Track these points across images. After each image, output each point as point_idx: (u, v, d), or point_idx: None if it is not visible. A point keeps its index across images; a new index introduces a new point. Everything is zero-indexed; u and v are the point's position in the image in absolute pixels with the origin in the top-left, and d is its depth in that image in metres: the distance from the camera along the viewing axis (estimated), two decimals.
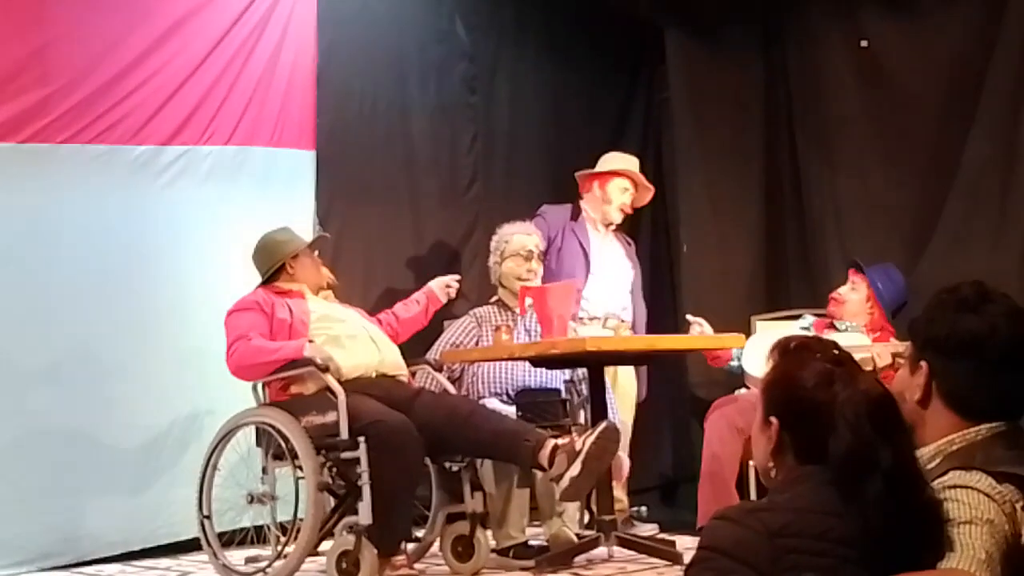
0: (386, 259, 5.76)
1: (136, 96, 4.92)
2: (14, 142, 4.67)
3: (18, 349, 4.67)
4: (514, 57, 6.32)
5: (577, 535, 4.43)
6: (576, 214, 5.42)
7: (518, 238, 5.07)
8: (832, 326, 4.92)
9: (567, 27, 6.37)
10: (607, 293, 5.29)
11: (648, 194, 5.48)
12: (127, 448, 4.84)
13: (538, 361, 4.48)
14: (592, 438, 3.84)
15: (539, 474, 4.21)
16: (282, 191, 5.29)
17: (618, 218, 5.40)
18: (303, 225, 5.16)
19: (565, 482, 3.83)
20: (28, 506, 4.59)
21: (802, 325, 5.01)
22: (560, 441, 3.91)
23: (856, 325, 4.88)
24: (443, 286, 4.93)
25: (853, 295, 4.95)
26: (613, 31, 6.42)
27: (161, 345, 4.92)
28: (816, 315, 5.07)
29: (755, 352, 4.79)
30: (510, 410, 4.57)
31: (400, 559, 3.88)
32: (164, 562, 4.75)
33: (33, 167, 4.70)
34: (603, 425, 3.93)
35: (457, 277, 5.01)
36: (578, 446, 3.84)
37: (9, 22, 4.68)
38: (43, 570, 4.57)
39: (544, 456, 3.89)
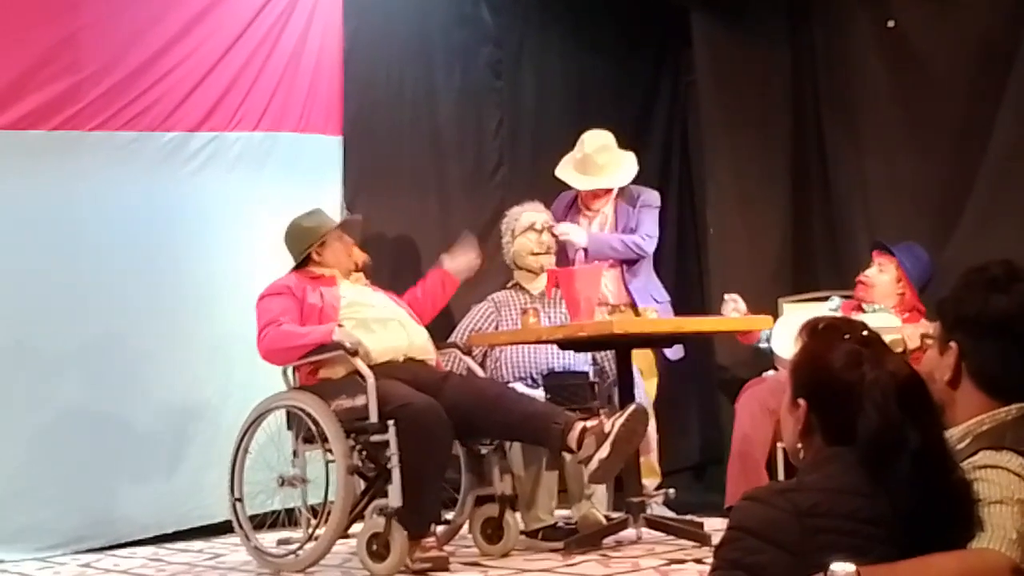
0: (412, 244, 5.78)
1: (165, 83, 4.96)
2: (44, 129, 4.72)
3: (50, 335, 4.72)
4: (539, 41, 6.31)
5: (606, 517, 4.44)
6: (575, 199, 5.35)
7: (527, 215, 5.08)
8: (860, 308, 4.90)
9: (592, 10, 6.35)
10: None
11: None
12: (159, 432, 4.90)
13: (566, 344, 4.49)
14: (621, 420, 3.84)
15: (568, 456, 4.22)
16: (309, 177, 5.32)
17: (595, 205, 5.28)
18: (330, 210, 5.17)
19: (594, 464, 3.84)
20: (61, 490, 4.65)
21: (830, 307, 4.99)
22: (589, 423, 3.91)
23: (885, 307, 4.86)
24: (459, 271, 4.83)
25: (882, 277, 4.90)
26: (638, 14, 6.40)
27: (191, 330, 4.97)
28: (844, 297, 5.05)
29: (783, 334, 4.78)
30: (535, 393, 4.58)
31: (430, 541, 3.90)
32: (197, 544, 4.80)
33: (63, 154, 4.75)
34: (632, 407, 3.93)
35: (470, 255, 4.90)
36: (607, 428, 3.84)
37: (39, 10, 4.72)
38: (77, 552, 4.62)
39: (573, 438, 3.89)
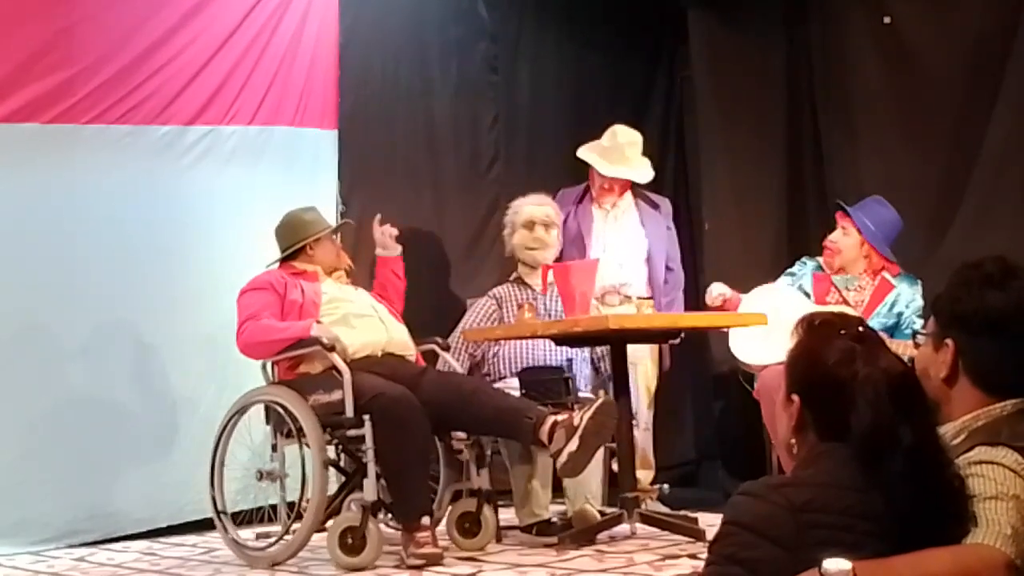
0: (407, 238, 5.76)
1: (160, 76, 4.95)
2: (39, 123, 4.70)
3: (41, 331, 4.72)
4: (535, 36, 6.30)
5: (600, 512, 4.45)
6: (584, 193, 5.37)
7: (527, 208, 5.05)
8: (831, 283, 4.86)
9: (588, 6, 6.34)
10: (608, 269, 5.09)
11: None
12: (152, 426, 4.90)
13: (561, 339, 4.49)
14: (589, 414, 3.90)
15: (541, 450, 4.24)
16: (305, 171, 5.32)
17: (606, 200, 5.30)
18: (326, 205, 5.18)
19: (563, 457, 3.91)
20: (55, 483, 4.65)
21: (792, 270, 4.99)
22: (559, 418, 3.96)
23: (854, 277, 4.84)
24: (379, 244, 4.79)
25: (847, 240, 4.85)
26: (635, 10, 6.39)
27: (186, 324, 4.96)
28: (817, 267, 5.00)
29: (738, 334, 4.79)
30: None
31: (424, 536, 3.91)
32: (191, 539, 4.80)
33: (58, 148, 4.74)
34: (600, 401, 4.00)
35: (383, 228, 4.83)
36: (576, 422, 3.90)
37: (34, 3, 4.71)
38: (71, 546, 4.62)
39: (544, 432, 3.95)
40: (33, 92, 4.68)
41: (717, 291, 5.00)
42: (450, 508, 4.35)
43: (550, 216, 5.04)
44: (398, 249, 4.82)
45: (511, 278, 5.11)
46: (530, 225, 5.00)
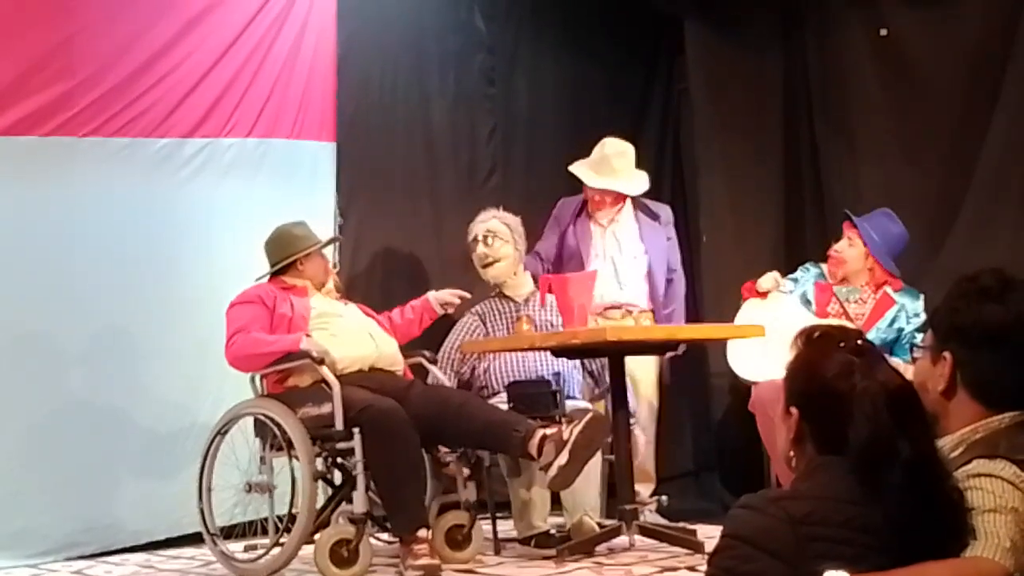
0: (406, 250, 5.78)
1: (158, 89, 4.95)
2: (38, 135, 4.71)
3: (38, 344, 4.72)
4: (533, 48, 6.31)
5: (599, 524, 4.45)
6: (583, 206, 5.30)
7: (473, 228, 5.01)
8: (832, 292, 4.86)
9: (586, 18, 6.35)
10: (605, 285, 5.06)
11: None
12: (151, 438, 4.89)
13: (559, 351, 4.49)
14: (579, 427, 3.93)
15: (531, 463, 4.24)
16: (303, 183, 5.32)
17: (602, 215, 5.24)
18: (324, 217, 5.19)
19: (553, 471, 3.94)
20: (53, 497, 4.64)
21: (795, 276, 4.98)
22: (548, 431, 3.98)
23: (856, 289, 4.84)
24: (441, 301, 4.80)
25: (851, 251, 4.85)
26: (632, 22, 6.41)
27: (183, 338, 4.96)
28: (820, 273, 5.00)
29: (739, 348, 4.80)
30: None
31: (421, 548, 3.91)
32: (189, 551, 4.79)
33: (56, 160, 4.74)
34: (590, 415, 4.04)
35: (460, 294, 4.87)
36: (565, 435, 3.93)
37: (33, 16, 4.71)
38: (69, 559, 4.61)
39: (533, 446, 3.98)
40: (31, 104, 4.68)
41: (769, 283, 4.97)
42: (437, 521, 4.32)
43: (492, 229, 4.95)
44: (441, 311, 4.82)
45: (492, 293, 5.09)
46: (474, 244, 4.98)
